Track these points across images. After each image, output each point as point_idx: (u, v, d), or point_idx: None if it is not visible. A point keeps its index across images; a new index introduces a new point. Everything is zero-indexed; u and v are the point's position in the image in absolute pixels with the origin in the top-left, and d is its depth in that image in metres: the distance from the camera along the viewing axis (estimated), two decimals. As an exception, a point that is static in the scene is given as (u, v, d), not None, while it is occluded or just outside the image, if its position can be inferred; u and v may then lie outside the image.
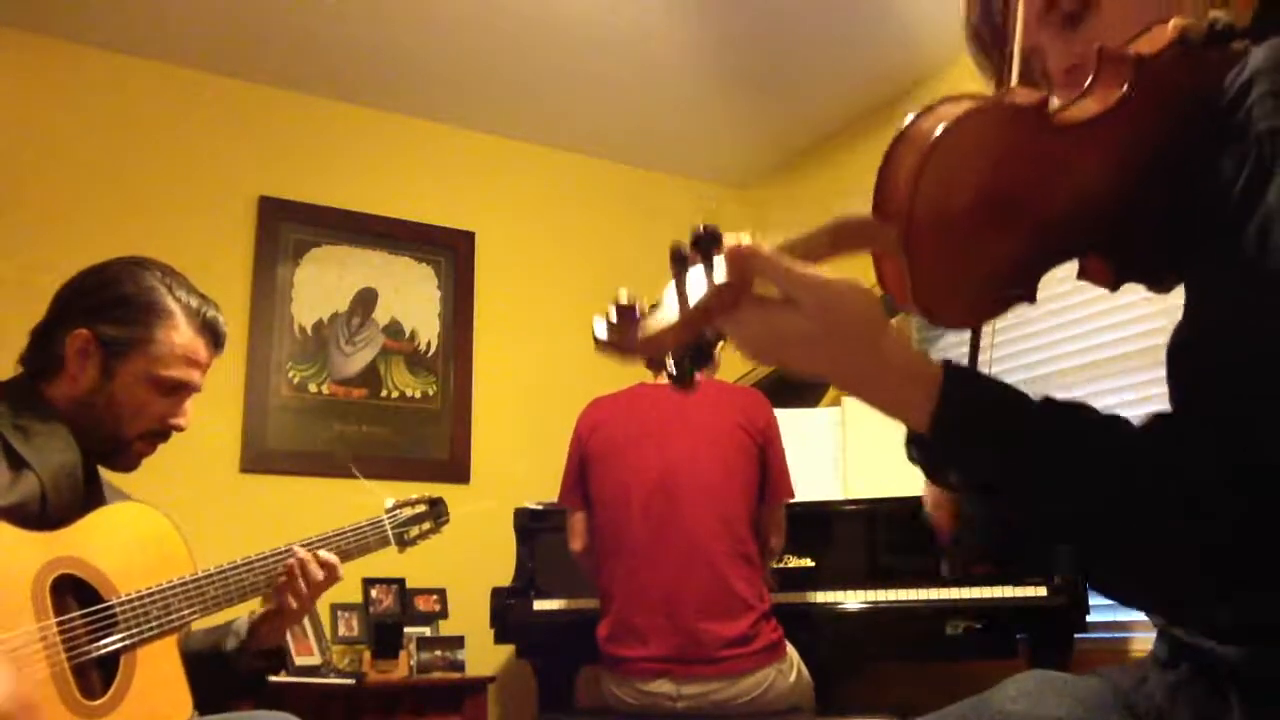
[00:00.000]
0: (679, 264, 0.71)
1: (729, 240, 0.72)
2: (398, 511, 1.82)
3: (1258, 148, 0.70)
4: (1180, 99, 0.77)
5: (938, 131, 0.74)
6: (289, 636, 2.68)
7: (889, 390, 0.74)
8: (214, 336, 1.60)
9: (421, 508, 1.86)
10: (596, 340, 0.74)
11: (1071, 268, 0.85)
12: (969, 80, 0.89)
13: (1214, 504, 0.68)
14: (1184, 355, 0.77)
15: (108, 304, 1.50)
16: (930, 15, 3.18)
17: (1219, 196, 0.72)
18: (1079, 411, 0.74)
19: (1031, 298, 0.80)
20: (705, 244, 0.71)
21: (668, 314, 0.72)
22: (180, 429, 1.56)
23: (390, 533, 1.77)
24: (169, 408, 1.54)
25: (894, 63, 3.40)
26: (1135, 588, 0.75)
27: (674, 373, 0.75)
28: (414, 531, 1.82)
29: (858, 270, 0.73)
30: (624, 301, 0.72)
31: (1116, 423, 0.73)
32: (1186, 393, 0.78)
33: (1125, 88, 0.77)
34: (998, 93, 0.83)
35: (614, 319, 0.73)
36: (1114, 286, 0.84)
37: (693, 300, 0.71)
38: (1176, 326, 0.79)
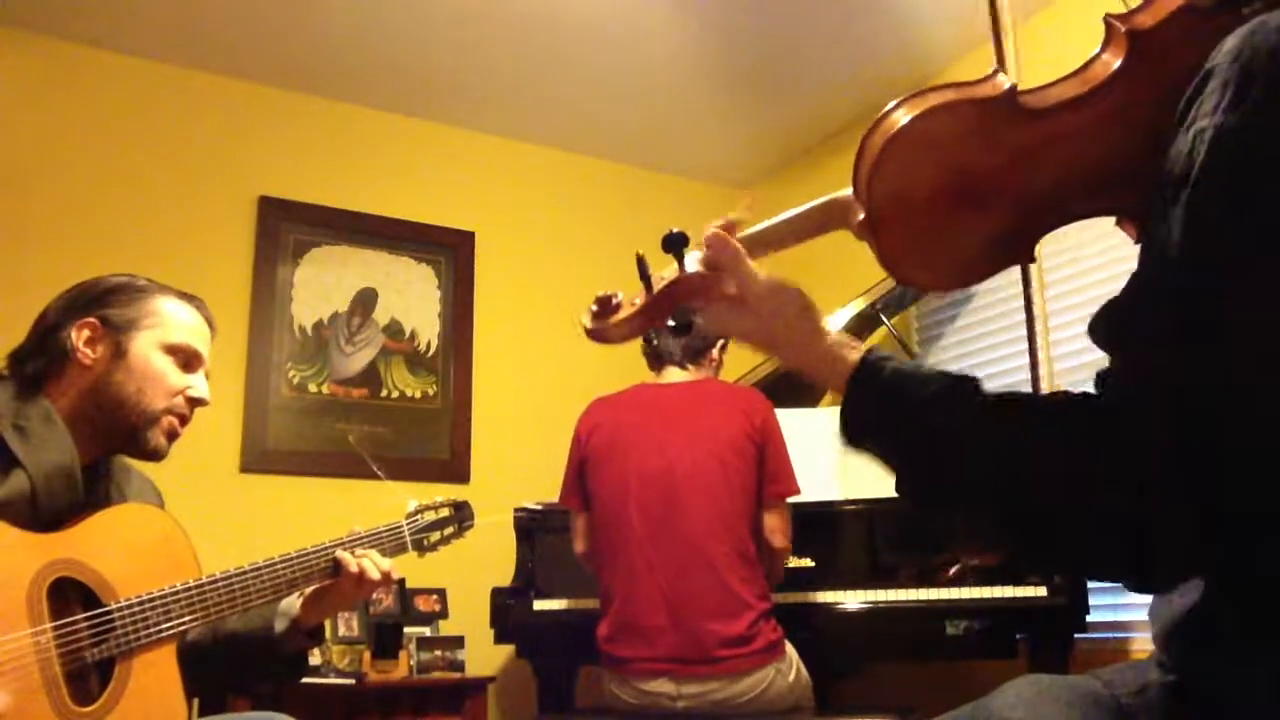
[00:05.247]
0: (642, 265, 0.85)
1: (708, 228, 0.85)
2: (418, 516, 1.75)
3: (1190, 145, 0.69)
4: (1180, 66, 0.75)
5: (900, 124, 0.80)
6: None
7: (814, 374, 0.86)
8: (207, 316, 1.63)
9: (445, 511, 1.79)
10: (584, 328, 0.88)
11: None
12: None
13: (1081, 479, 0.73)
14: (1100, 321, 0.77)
15: (104, 294, 1.54)
16: (930, 15, 3.18)
17: (1162, 178, 0.71)
18: (974, 396, 0.79)
19: (1029, 259, 0.86)
20: (675, 245, 0.85)
21: (637, 300, 0.86)
22: (202, 401, 1.58)
23: (409, 539, 1.72)
24: (186, 379, 1.56)
25: (894, 63, 3.40)
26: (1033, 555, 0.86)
27: (651, 345, 0.88)
28: (434, 537, 1.76)
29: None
30: (603, 294, 0.87)
31: (1011, 403, 0.79)
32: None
33: (1118, 64, 0.79)
34: (971, 82, 0.83)
35: (596, 309, 0.87)
36: (1139, 239, 0.84)
37: (657, 287, 0.85)
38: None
